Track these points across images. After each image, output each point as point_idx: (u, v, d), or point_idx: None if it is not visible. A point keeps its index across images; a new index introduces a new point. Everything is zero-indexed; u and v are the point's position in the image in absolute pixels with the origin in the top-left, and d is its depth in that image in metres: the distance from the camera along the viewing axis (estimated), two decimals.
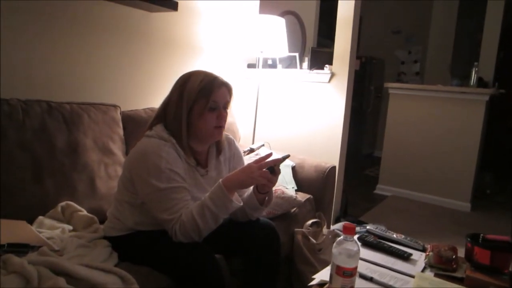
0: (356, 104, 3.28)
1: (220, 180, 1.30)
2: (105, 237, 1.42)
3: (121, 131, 1.86)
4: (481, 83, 3.88)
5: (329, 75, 2.74)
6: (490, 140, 4.08)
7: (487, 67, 4.07)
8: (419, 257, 1.41)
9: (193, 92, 1.35)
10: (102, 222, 1.51)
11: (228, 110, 1.44)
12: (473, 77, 3.84)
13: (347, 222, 1.06)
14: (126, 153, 1.84)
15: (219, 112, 1.38)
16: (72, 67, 1.90)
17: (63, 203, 1.53)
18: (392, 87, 4.11)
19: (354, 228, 1.03)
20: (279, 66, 3.02)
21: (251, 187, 1.45)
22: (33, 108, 1.56)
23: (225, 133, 1.50)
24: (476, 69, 3.86)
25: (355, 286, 1.04)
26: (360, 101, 5.67)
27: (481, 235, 1.36)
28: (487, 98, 3.60)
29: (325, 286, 1.13)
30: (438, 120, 3.84)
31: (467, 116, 3.70)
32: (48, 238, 1.30)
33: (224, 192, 1.27)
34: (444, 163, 3.84)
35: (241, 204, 1.35)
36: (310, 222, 1.98)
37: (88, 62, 1.97)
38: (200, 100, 1.35)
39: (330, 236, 2.00)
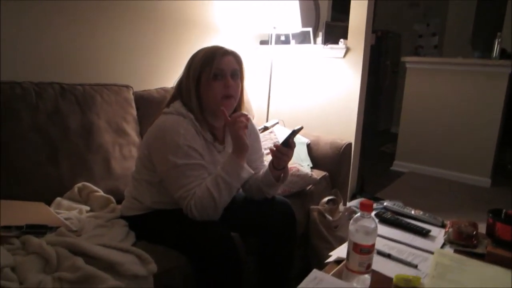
0: (372, 79, 3.20)
1: (226, 149, 1.33)
2: (122, 217, 1.43)
3: (134, 112, 1.86)
4: (504, 54, 3.73)
5: (344, 50, 2.67)
6: None
7: (510, 38, 3.90)
8: (438, 233, 1.38)
9: (198, 63, 1.34)
10: (118, 202, 1.52)
11: (240, 82, 1.40)
12: (496, 48, 3.69)
13: (364, 199, 1.04)
14: (140, 133, 1.84)
15: (225, 80, 1.34)
16: (83, 48, 1.89)
17: (79, 184, 1.54)
18: (410, 61, 3.99)
19: (372, 205, 1.01)
20: (292, 42, 2.95)
21: (267, 164, 1.44)
22: (46, 91, 1.57)
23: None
24: (499, 40, 3.69)
25: (373, 263, 1.03)
26: (376, 77, 5.54)
27: (504, 210, 1.32)
28: (510, 70, 3.47)
29: (342, 263, 1.12)
30: (458, 94, 3.73)
31: (488, 89, 3.57)
32: (66, 219, 1.32)
33: (234, 159, 1.29)
34: (463, 138, 3.74)
35: (253, 172, 1.36)
36: (326, 199, 1.96)
37: (99, 42, 1.96)
38: (205, 70, 1.33)
39: (346, 213, 1.98)
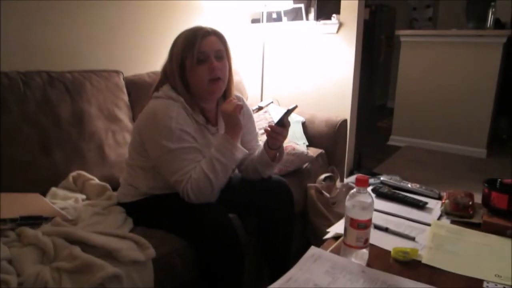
0: (366, 54, 3.17)
1: (219, 131, 1.31)
2: (119, 204, 1.43)
3: (125, 97, 1.83)
4: (498, 24, 3.70)
5: (337, 26, 2.63)
6: (507, 84, 3.93)
7: (504, 7, 3.86)
8: (435, 205, 1.39)
9: (180, 49, 1.30)
10: (114, 189, 1.51)
11: (226, 61, 1.35)
12: (490, 19, 3.66)
13: (360, 174, 1.03)
14: (133, 119, 1.82)
15: (210, 63, 1.30)
16: (70, 34, 1.86)
17: (74, 173, 1.53)
18: (404, 34, 3.95)
19: (367, 180, 1.00)
20: (284, 19, 2.90)
21: (262, 144, 1.43)
22: (33, 80, 1.54)
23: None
24: (493, 10, 3.66)
25: (370, 237, 1.03)
26: (370, 51, 5.48)
27: (499, 180, 1.32)
28: (504, 40, 3.44)
29: (340, 239, 1.13)
30: (453, 66, 3.70)
31: (483, 60, 3.55)
32: (62, 209, 1.31)
33: (228, 140, 1.27)
34: (459, 110, 3.74)
35: (247, 152, 1.35)
36: (323, 176, 1.96)
37: (87, 28, 1.92)
38: (187, 55, 1.29)
39: (344, 189, 1.98)
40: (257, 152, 1.47)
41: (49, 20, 1.77)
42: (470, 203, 1.30)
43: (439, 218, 1.29)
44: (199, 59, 1.29)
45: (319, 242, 1.74)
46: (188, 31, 1.32)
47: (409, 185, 1.52)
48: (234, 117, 1.29)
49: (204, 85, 1.31)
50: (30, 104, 1.49)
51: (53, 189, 1.48)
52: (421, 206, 1.36)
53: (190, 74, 1.31)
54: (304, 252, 1.05)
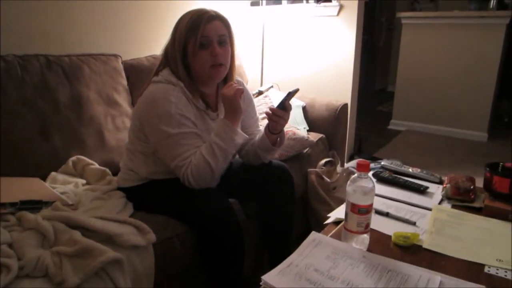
0: (366, 37, 3.13)
1: (220, 117, 1.30)
2: (119, 189, 1.42)
3: (124, 81, 1.81)
4: (501, 5, 3.64)
5: (337, 8, 2.59)
6: (510, 66, 3.89)
7: None
8: (436, 190, 1.38)
9: (183, 32, 1.27)
10: (114, 174, 1.51)
11: (229, 46, 1.33)
12: None
13: (361, 159, 1.02)
14: (132, 103, 1.81)
15: (212, 48, 1.28)
16: (68, 17, 1.82)
17: (73, 158, 1.52)
18: (405, 16, 3.89)
19: (368, 165, 0.99)
20: (284, 1, 2.85)
21: (262, 129, 1.42)
22: (31, 63, 1.52)
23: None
24: None
25: (371, 222, 1.03)
26: (371, 34, 5.42)
27: (501, 163, 1.31)
28: (507, 21, 3.39)
29: (341, 224, 1.13)
30: (454, 48, 3.66)
31: (485, 42, 3.51)
32: (62, 193, 1.31)
33: (228, 125, 1.26)
34: (460, 93, 3.71)
35: (247, 137, 1.34)
36: (323, 161, 1.96)
37: (84, 11, 1.88)
38: (190, 39, 1.27)
39: (344, 174, 1.98)
40: (257, 137, 1.46)
41: (47, 3, 1.73)
42: (472, 187, 1.29)
43: (440, 203, 1.29)
44: (202, 43, 1.26)
45: (320, 227, 1.75)
46: (193, 14, 1.28)
47: (410, 170, 1.51)
48: (235, 101, 1.27)
49: (206, 70, 1.29)
50: (28, 88, 1.47)
51: (53, 173, 1.47)
52: (422, 191, 1.36)
53: (192, 58, 1.29)
54: (304, 236, 1.05)
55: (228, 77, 1.40)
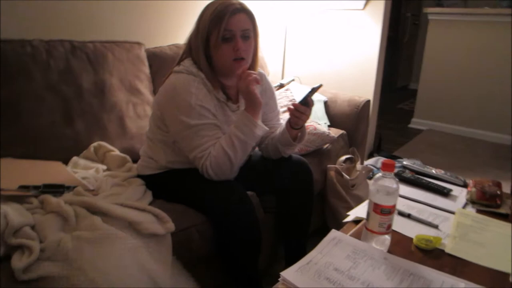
0: (390, 33, 3.05)
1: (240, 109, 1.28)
2: (138, 176, 1.43)
3: (147, 69, 1.81)
4: None
5: (364, 1, 2.53)
6: None
7: None
8: (460, 193, 1.35)
9: (207, 23, 1.25)
10: (134, 161, 1.52)
11: (252, 41, 1.30)
12: None
13: (386, 159, 1.00)
14: (154, 91, 1.81)
15: (235, 42, 1.25)
16: (93, 4, 1.83)
17: (95, 144, 1.54)
18: (432, 12, 3.79)
19: (394, 165, 0.97)
20: None
21: (284, 123, 1.40)
22: (56, 49, 1.53)
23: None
24: None
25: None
26: (395, 30, 5.31)
27: None
28: None
29: (361, 223, 1.11)
30: (482, 47, 3.56)
31: None
32: (83, 178, 1.32)
33: (248, 117, 1.24)
34: (485, 93, 3.61)
35: (267, 129, 1.32)
36: (343, 158, 1.93)
37: None
38: (213, 31, 1.24)
39: (363, 172, 1.95)
40: (278, 130, 1.44)
41: None
42: (498, 192, 1.26)
43: (464, 207, 1.26)
44: (225, 37, 1.24)
45: (336, 223, 1.74)
46: (218, 4, 1.25)
47: (433, 171, 1.48)
48: (252, 93, 1.25)
49: (227, 63, 1.28)
50: (53, 73, 1.49)
51: (75, 158, 1.49)
52: (445, 193, 1.33)
53: (214, 50, 1.27)
54: (320, 232, 1.04)
55: (250, 70, 1.38)
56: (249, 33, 1.27)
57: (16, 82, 1.40)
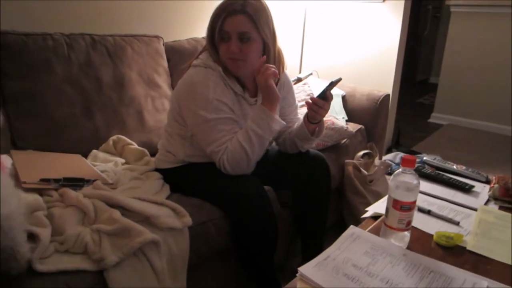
0: (411, 26, 2.98)
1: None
2: (156, 169, 1.44)
3: (165, 63, 1.82)
4: None
5: None
6: None
7: None
8: (482, 189, 1.32)
9: (210, 21, 1.27)
10: (152, 154, 1.53)
11: (254, 42, 1.25)
12: None
13: (407, 154, 0.98)
14: (172, 85, 1.82)
15: (229, 44, 1.24)
16: None
17: (114, 137, 1.55)
18: (455, 4, 3.69)
19: (415, 161, 0.95)
20: None
21: (301, 118, 1.39)
22: (77, 42, 1.55)
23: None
24: None
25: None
26: (415, 23, 5.20)
27: None
28: None
29: (379, 219, 1.09)
30: (507, 40, 3.45)
31: None
32: (102, 171, 1.34)
33: (265, 111, 1.24)
34: (508, 87, 3.51)
35: (284, 123, 1.31)
36: (361, 153, 1.91)
37: None
38: (214, 29, 1.26)
39: (381, 167, 1.93)
40: (295, 125, 1.43)
41: None
42: None
43: (486, 203, 1.23)
44: (222, 36, 1.25)
45: (354, 219, 1.72)
46: (221, 4, 1.25)
47: (455, 167, 1.45)
48: (270, 87, 1.24)
49: (225, 61, 1.28)
50: (74, 66, 1.50)
51: (94, 151, 1.51)
52: (467, 190, 1.30)
53: (218, 47, 1.28)
54: (337, 228, 1.03)
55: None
56: (248, 35, 1.23)
57: (38, 75, 1.42)
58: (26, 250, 0.86)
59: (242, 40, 1.23)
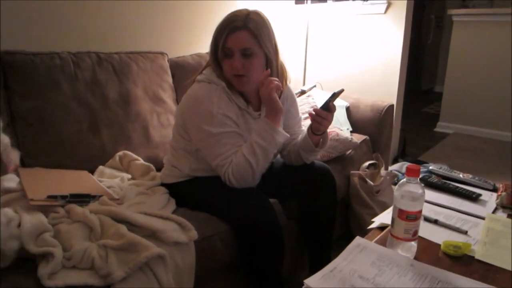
0: (414, 36, 3.00)
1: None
2: (162, 184, 1.45)
3: (170, 79, 1.85)
4: None
5: (385, 5, 2.51)
6: None
7: None
8: (490, 198, 1.31)
9: (213, 38, 1.28)
10: (158, 169, 1.54)
11: (256, 58, 1.26)
12: None
13: (410, 163, 0.98)
14: (177, 100, 1.84)
15: (232, 60, 1.25)
16: (118, 16, 1.88)
17: (120, 153, 1.57)
18: (457, 13, 3.71)
19: (419, 170, 0.95)
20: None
21: (305, 130, 1.39)
22: (83, 60, 1.57)
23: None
24: None
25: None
26: (418, 32, 5.23)
27: None
28: None
29: (386, 230, 1.09)
30: (509, 48, 3.45)
31: None
32: (108, 187, 1.35)
33: (269, 124, 1.24)
34: None
35: (288, 136, 1.31)
36: (367, 164, 1.90)
37: (133, 10, 1.94)
38: (217, 46, 1.27)
39: (388, 178, 1.92)
40: (300, 137, 1.44)
41: (99, 3, 1.80)
42: None
43: (494, 212, 1.22)
44: (225, 53, 1.26)
45: (361, 230, 1.71)
46: (225, 19, 1.27)
47: (461, 175, 1.44)
48: (273, 100, 1.25)
49: (229, 78, 1.29)
50: (80, 84, 1.53)
51: (101, 167, 1.52)
52: (474, 198, 1.29)
53: (222, 64, 1.30)
54: (344, 239, 1.02)
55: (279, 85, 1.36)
56: (251, 51, 1.25)
57: (45, 94, 1.45)
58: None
59: (244, 55, 1.25)
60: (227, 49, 1.25)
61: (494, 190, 1.36)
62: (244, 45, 1.24)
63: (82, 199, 1.17)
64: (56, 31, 1.68)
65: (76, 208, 1.11)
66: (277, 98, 1.27)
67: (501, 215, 1.20)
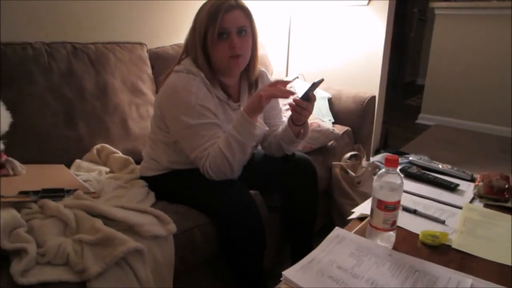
0: (396, 29, 3.01)
1: (241, 108, 1.25)
2: (141, 177, 1.42)
3: (149, 70, 1.81)
4: None
5: None
6: None
7: None
8: (467, 188, 1.32)
9: (203, 21, 1.24)
10: (137, 162, 1.51)
11: (249, 37, 1.28)
12: None
13: (389, 154, 0.98)
14: (156, 92, 1.81)
15: (230, 40, 1.24)
16: (94, 5, 1.83)
17: (98, 146, 1.54)
18: (439, 6, 3.74)
19: (397, 160, 0.95)
20: None
21: (286, 121, 1.38)
22: (58, 51, 1.53)
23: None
24: None
25: (398, 219, 0.99)
26: (401, 25, 5.25)
27: None
28: None
29: (366, 220, 1.09)
30: (490, 41, 3.50)
31: None
32: (85, 181, 1.32)
33: (246, 118, 1.21)
34: (493, 87, 3.56)
35: (266, 128, 1.28)
36: (348, 155, 1.91)
37: None
38: (210, 28, 1.23)
39: (369, 169, 1.93)
40: (280, 128, 1.42)
41: None
42: (506, 186, 1.23)
43: (471, 201, 1.24)
44: (220, 34, 1.23)
45: (343, 221, 1.71)
46: (213, 3, 1.24)
47: (440, 166, 1.46)
48: (261, 101, 1.20)
49: (224, 61, 1.26)
50: (55, 75, 1.49)
51: (78, 161, 1.49)
52: (452, 188, 1.30)
53: (211, 48, 1.26)
54: (327, 230, 1.02)
55: (250, 68, 1.37)
56: (246, 29, 1.26)
57: (18, 85, 1.40)
58: None
59: (239, 34, 1.25)
60: (222, 29, 1.23)
61: (472, 180, 1.38)
62: (241, 23, 1.25)
63: (56, 193, 1.13)
64: (28, 20, 1.63)
65: (50, 203, 1.08)
66: (265, 104, 1.21)
67: (478, 205, 1.22)
